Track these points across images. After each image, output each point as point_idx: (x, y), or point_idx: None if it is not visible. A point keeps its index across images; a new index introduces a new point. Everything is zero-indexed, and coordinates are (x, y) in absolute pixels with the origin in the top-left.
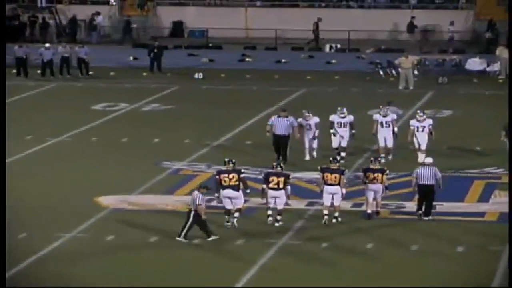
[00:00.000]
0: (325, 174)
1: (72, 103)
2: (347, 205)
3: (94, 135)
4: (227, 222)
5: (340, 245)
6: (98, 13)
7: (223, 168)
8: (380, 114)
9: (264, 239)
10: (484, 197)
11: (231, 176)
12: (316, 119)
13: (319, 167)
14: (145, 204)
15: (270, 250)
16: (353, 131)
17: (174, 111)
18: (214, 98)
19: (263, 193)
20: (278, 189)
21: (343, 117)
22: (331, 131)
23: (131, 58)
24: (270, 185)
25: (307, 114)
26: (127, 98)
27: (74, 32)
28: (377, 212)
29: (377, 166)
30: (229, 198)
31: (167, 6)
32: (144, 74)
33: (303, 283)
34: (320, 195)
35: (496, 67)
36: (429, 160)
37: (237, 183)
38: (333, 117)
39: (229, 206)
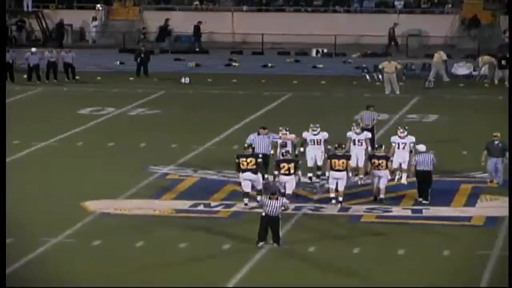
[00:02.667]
0: (333, 161)
1: (58, 107)
2: (334, 210)
3: (80, 139)
4: (245, 204)
5: (327, 249)
6: (95, 19)
7: (243, 153)
8: (353, 132)
9: (252, 243)
10: (470, 202)
11: (249, 160)
12: (292, 137)
13: (326, 154)
14: (132, 208)
15: (257, 254)
16: (329, 147)
17: (160, 115)
18: (200, 102)
19: (274, 180)
20: (289, 174)
21: (315, 134)
22: (301, 149)
23: (118, 63)
24: (282, 171)
25: (284, 131)
26: (114, 102)
27: (61, 37)
28: (381, 199)
29: (381, 153)
30: (250, 180)
31: (153, 11)
32: (131, 78)
33: (289, 285)
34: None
35: (482, 71)
36: (423, 147)
37: (254, 166)
38: (305, 134)
39: (247, 188)
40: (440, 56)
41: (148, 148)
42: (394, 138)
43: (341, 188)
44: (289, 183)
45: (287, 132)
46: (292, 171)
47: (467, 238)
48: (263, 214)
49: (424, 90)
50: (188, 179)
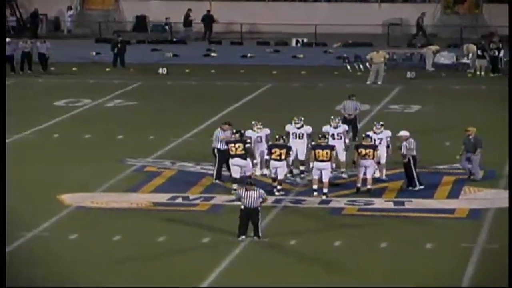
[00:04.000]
0: (316, 151)
1: (33, 99)
2: (315, 203)
3: (56, 131)
4: (234, 189)
5: (308, 243)
6: (70, 8)
7: (231, 139)
8: (331, 126)
9: (232, 236)
10: (453, 193)
11: (237, 145)
12: (266, 131)
13: (309, 145)
14: (109, 201)
15: (237, 247)
16: (313, 143)
17: (137, 107)
18: (178, 93)
19: (266, 164)
20: (280, 160)
21: (298, 128)
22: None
23: (94, 53)
24: (273, 156)
25: (258, 126)
26: (90, 94)
27: (36, 27)
28: (368, 190)
29: (368, 142)
30: (239, 166)
31: (129, 0)
32: (107, 69)
33: (271, 280)
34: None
35: (466, 60)
36: (406, 133)
37: (243, 152)
38: (288, 127)
39: (236, 174)
40: (435, 47)
41: (125, 140)
42: (370, 134)
43: (325, 179)
44: (281, 169)
45: (261, 127)
46: (283, 156)
47: (451, 231)
48: (242, 207)
49: (406, 80)
50: (166, 172)
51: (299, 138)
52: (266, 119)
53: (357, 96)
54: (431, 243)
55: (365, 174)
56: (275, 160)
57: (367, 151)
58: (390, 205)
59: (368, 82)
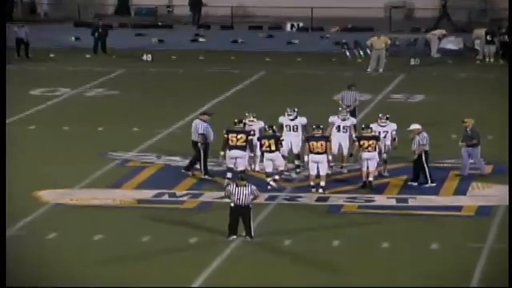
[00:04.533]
0: (311, 143)
1: (8, 88)
2: (311, 200)
3: (32, 123)
4: (228, 178)
5: (304, 243)
6: None
7: (232, 128)
8: (338, 117)
9: (222, 236)
10: (461, 190)
11: (239, 136)
12: (260, 124)
13: (303, 137)
14: (89, 199)
15: (227, 247)
16: (306, 137)
17: (120, 96)
18: (164, 82)
19: (260, 159)
20: (270, 151)
21: (292, 119)
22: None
23: (73, 38)
24: (263, 148)
25: (251, 118)
26: (69, 82)
27: (10, 10)
28: (370, 182)
29: (370, 134)
30: (235, 157)
31: None
32: (87, 56)
33: (264, 283)
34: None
35: (476, 46)
36: (418, 126)
37: (244, 144)
38: (281, 119)
39: (231, 164)
40: (440, 32)
41: (107, 133)
42: (375, 127)
43: (322, 172)
44: (277, 162)
45: (254, 119)
46: (273, 147)
47: (457, 230)
48: (232, 204)
49: (410, 68)
50: (151, 166)
51: (293, 130)
52: (259, 109)
53: (357, 85)
54: (437, 243)
55: (367, 167)
56: (265, 152)
57: (370, 142)
58: (393, 202)
59: (368, 70)
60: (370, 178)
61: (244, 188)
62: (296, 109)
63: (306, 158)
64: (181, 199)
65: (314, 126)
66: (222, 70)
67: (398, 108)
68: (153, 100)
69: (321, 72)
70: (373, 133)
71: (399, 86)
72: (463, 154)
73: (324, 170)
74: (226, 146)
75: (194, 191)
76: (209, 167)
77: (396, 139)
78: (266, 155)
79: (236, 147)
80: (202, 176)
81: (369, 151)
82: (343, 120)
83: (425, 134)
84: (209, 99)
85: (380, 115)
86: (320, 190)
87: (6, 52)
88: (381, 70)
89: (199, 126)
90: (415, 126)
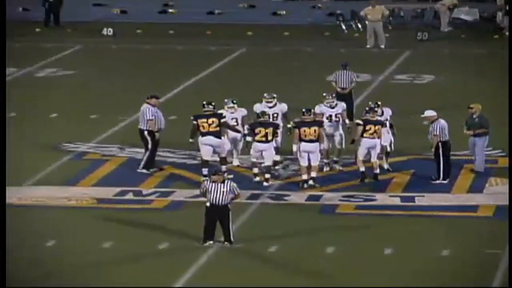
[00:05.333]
0: (302, 129)
1: None
2: (301, 199)
3: None
4: (204, 176)
5: (293, 248)
6: None
7: (201, 113)
8: (325, 105)
9: (196, 241)
10: (476, 186)
11: (210, 120)
12: (243, 111)
13: (291, 123)
14: (41, 198)
15: (203, 255)
16: (289, 125)
17: (77, 77)
18: (128, 60)
19: (247, 147)
20: (266, 141)
21: (271, 107)
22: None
23: (20, 9)
24: (257, 138)
25: (230, 104)
26: (16, 61)
27: None
28: (375, 176)
29: (375, 117)
30: (211, 146)
31: None
32: (38, 30)
33: None
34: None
35: (498, 18)
36: (432, 113)
37: (217, 128)
38: (258, 107)
39: (207, 156)
40: (451, 1)
41: (61, 120)
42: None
43: (314, 162)
44: (267, 152)
45: (235, 106)
46: (270, 137)
47: (473, 233)
48: (207, 204)
49: (417, 43)
50: (112, 160)
51: (272, 119)
52: (240, 93)
53: (355, 63)
54: (449, 249)
55: (369, 157)
56: (259, 142)
57: (376, 127)
58: (397, 201)
59: (368, 46)
60: (377, 171)
61: (222, 184)
62: (274, 95)
63: (295, 147)
64: (148, 198)
65: (303, 110)
66: (196, 47)
67: (403, 91)
68: (115, 82)
69: (312, 48)
70: (377, 117)
71: (404, 65)
72: (469, 141)
73: (316, 160)
74: (196, 134)
75: (164, 189)
76: (182, 161)
77: (394, 128)
78: (258, 145)
79: (209, 133)
80: (139, 169)
81: (373, 138)
82: (332, 107)
83: (441, 121)
84: (180, 81)
85: (370, 103)
86: (311, 182)
87: (6, 52)
88: (382, 46)
89: (146, 111)
90: (429, 113)
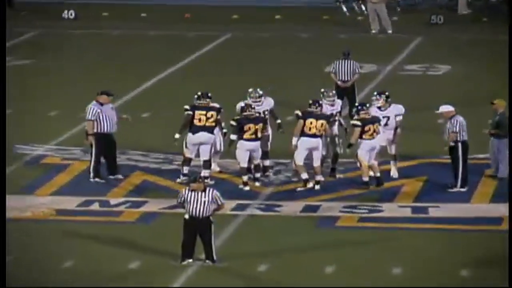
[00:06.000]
0: (309, 121)
1: None
2: (296, 209)
3: None
4: (183, 175)
5: (286, 268)
6: None
7: (197, 103)
8: (325, 102)
9: (173, 260)
10: (500, 195)
11: (209, 114)
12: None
13: (297, 112)
14: None
15: (181, 274)
16: (279, 123)
17: (32, 67)
18: (93, 48)
19: (230, 147)
20: (255, 139)
21: (259, 104)
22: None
23: None
24: (246, 136)
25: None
26: None
27: None
28: (379, 179)
29: (369, 115)
30: (198, 144)
31: None
32: None
33: None
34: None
35: None
36: (449, 108)
37: (213, 124)
38: (242, 105)
39: (191, 154)
40: None
41: (14, 118)
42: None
43: (317, 162)
44: (256, 152)
45: (208, 100)
46: (259, 134)
47: (496, 250)
48: (186, 216)
49: (430, 28)
50: (75, 164)
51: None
52: (223, 87)
53: (358, 51)
54: (467, 269)
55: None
56: (249, 140)
57: (375, 126)
58: (407, 212)
59: (373, 31)
60: (378, 173)
61: (203, 193)
62: (260, 91)
63: (295, 140)
64: (116, 209)
65: (310, 102)
66: (172, 33)
67: (414, 84)
68: (78, 74)
69: (308, 34)
70: (371, 115)
71: (416, 54)
72: (490, 143)
73: (319, 159)
74: (188, 127)
75: (135, 198)
76: (156, 165)
77: (399, 129)
78: (247, 144)
79: (204, 129)
80: (91, 179)
81: (373, 138)
82: (332, 105)
83: (459, 118)
84: (153, 72)
85: (375, 93)
86: (317, 187)
87: (6, 52)
88: (389, 31)
89: (89, 110)
90: (445, 108)
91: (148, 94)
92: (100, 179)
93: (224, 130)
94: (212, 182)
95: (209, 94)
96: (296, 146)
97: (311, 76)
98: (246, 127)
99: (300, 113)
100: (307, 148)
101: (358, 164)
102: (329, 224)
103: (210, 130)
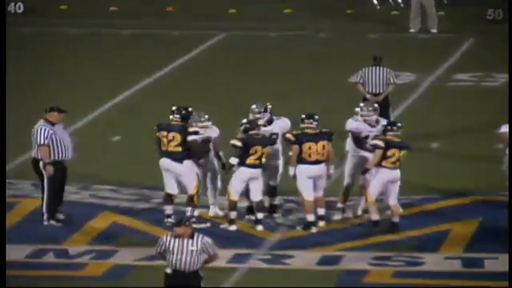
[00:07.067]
0: (307, 145)
1: None
2: (310, 261)
3: None
4: (167, 217)
5: None
6: None
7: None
8: (363, 119)
9: None
10: None
11: (170, 135)
12: (215, 131)
13: (289, 136)
14: None
15: None
16: (293, 132)
17: None
18: (46, 50)
19: (227, 173)
20: (259, 165)
21: (265, 124)
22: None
23: None
24: (250, 160)
25: (205, 122)
26: None
27: None
28: (394, 226)
29: (396, 136)
30: (169, 171)
31: None
32: None
33: None
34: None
35: None
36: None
37: (179, 149)
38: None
39: (171, 188)
40: None
41: None
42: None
43: (319, 192)
44: (258, 182)
45: (209, 123)
46: (264, 160)
47: None
48: (168, 270)
49: (485, 25)
50: (24, 202)
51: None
52: (215, 103)
53: (392, 56)
54: None
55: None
56: (252, 166)
57: (401, 154)
58: (457, 265)
59: (411, 30)
60: (397, 219)
61: (190, 241)
62: (269, 105)
63: (292, 170)
64: (78, 260)
65: (303, 116)
66: (151, 31)
67: (466, 97)
68: (27, 82)
69: (327, 33)
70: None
71: (467, 59)
72: None
73: (321, 188)
74: (159, 151)
75: (101, 247)
76: (128, 204)
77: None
78: (248, 171)
79: (167, 154)
80: (45, 222)
81: (394, 168)
82: (372, 125)
83: None
84: (125, 82)
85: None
86: (321, 224)
87: (6, 52)
88: (434, 30)
89: (39, 132)
90: (506, 129)
91: (117, 111)
92: (57, 221)
93: (221, 153)
94: (207, 225)
95: (184, 111)
96: (295, 176)
97: (330, 88)
98: (252, 150)
99: (292, 137)
100: (310, 177)
101: (364, 198)
102: (354, 281)
103: (173, 156)
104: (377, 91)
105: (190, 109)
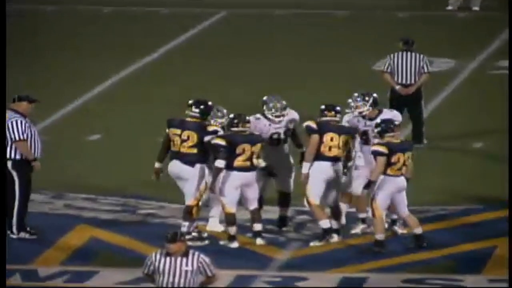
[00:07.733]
0: (328, 136)
1: None
2: (328, 282)
3: None
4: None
5: None
6: None
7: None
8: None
9: None
10: None
11: (185, 134)
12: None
13: (308, 124)
14: None
15: None
16: (302, 153)
17: None
18: (19, 32)
19: (213, 183)
20: (250, 168)
21: (278, 118)
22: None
23: None
24: (237, 163)
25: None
26: None
27: None
28: (420, 239)
29: (395, 137)
30: (177, 177)
31: None
32: None
33: None
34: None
35: None
36: None
37: (194, 150)
38: (255, 121)
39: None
40: None
41: None
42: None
43: (333, 196)
44: (253, 188)
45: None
46: (255, 161)
47: None
48: None
49: None
50: None
51: (277, 141)
52: (214, 93)
53: (424, 40)
54: None
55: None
56: (241, 169)
57: (406, 157)
58: None
59: (449, 8)
60: (419, 229)
61: (184, 259)
62: (284, 102)
63: (306, 166)
64: (50, 284)
65: (323, 107)
66: (138, 9)
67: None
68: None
69: (346, 11)
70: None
71: None
72: None
73: (336, 194)
74: (166, 152)
75: (77, 267)
76: (110, 216)
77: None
78: (238, 176)
79: (179, 156)
80: (14, 235)
81: (399, 175)
82: (372, 118)
83: None
84: (107, 69)
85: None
86: (336, 238)
87: (6, 50)
88: (476, 7)
89: (13, 125)
90: None
91: (96, 103)
92: (30, 234)
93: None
94: (205, 243)
95: (202, 106)
96: (307, 176)
97: (351, 77)
98: (239, 149)
99: (313, 125)
100: (325, 178)
101: (370, 213)
102: None
103: (187, 159)
104: (408, 82)
105: (210, 103)
